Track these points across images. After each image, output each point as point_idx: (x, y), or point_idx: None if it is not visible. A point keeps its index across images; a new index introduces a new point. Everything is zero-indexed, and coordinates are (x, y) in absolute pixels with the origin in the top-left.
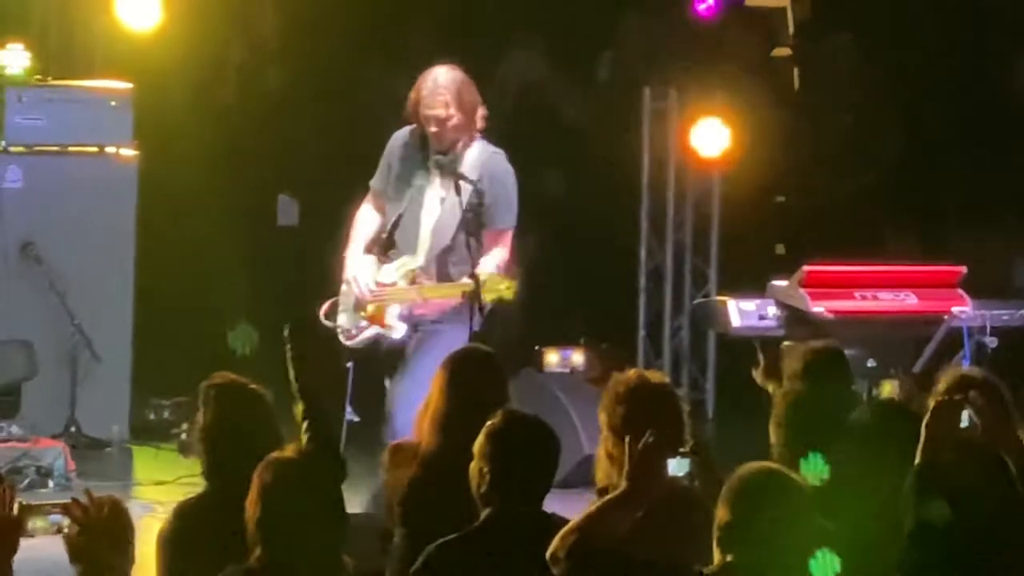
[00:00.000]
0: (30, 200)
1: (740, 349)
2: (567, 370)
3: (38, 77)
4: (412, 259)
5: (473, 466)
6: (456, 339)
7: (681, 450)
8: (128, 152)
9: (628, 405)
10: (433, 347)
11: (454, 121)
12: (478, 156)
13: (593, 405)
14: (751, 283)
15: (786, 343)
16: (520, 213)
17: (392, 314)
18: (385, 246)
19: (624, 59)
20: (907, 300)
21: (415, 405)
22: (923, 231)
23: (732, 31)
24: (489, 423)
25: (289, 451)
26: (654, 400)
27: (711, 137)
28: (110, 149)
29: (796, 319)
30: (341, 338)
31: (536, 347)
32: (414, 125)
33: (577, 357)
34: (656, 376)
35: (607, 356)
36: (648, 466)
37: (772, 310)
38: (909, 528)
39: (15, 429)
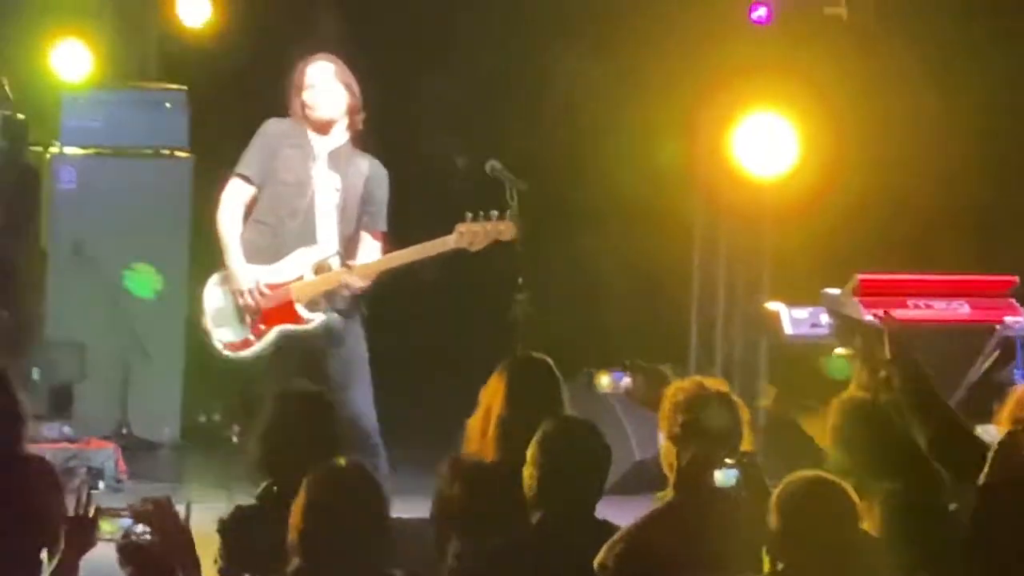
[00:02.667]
0: (84, 201)
1: (792, 357)
2: (619, 391)
3: (94, 79)
4: (318, 249)
5: (526, 471)
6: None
7: (728, 460)
8: (182, 154)
9: (687, 413)
10: (360, 338)
11: (343, 107)
12: (363, 158)
13: (645, 412)
14: (804, 291)
15: (839, 351)
16: (571, 227)
17: (302, 307)
18: (284, 244)
19: (678, 65)
20: (960, 309)
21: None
22: (977, 240)
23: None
24: (541, 428)
25: (340, 461)
26: (713, 408)
27: (764, 143)
28: (165, 151)
29: (849, 327)
30: (225, 352)
31: (587, 369)
32: (290, 116)
33: (627, 379)
34: (715, 384)
35: (656, 376)
36: (696, 475)
37: (825, 318)
38: (965, 544)
39: (67, 430)
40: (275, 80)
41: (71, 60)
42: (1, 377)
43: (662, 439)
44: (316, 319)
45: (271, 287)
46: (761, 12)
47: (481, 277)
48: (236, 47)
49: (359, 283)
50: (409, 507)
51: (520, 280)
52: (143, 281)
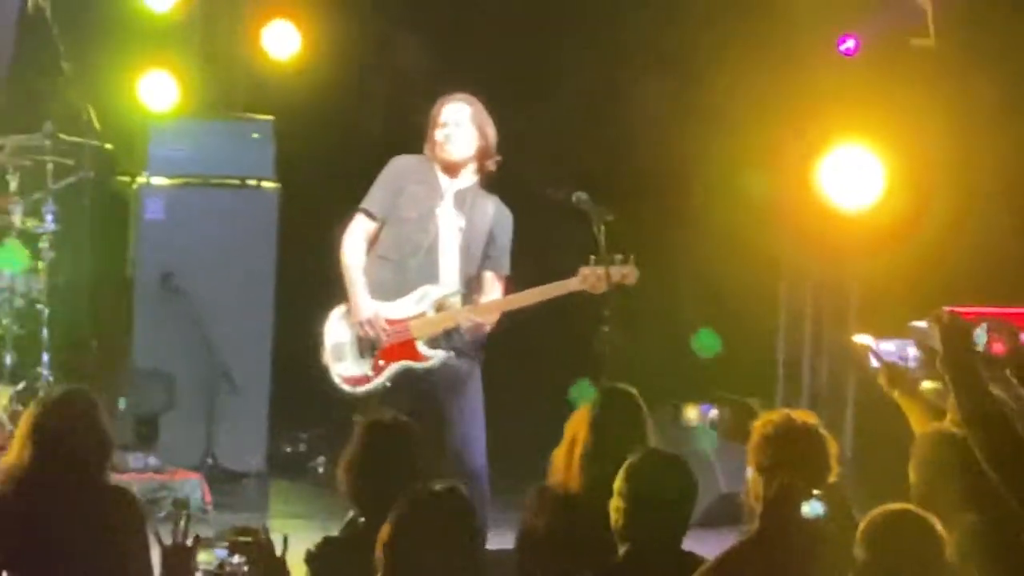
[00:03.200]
0: (171, 232)
1: (880, 390)
2: (706, 424)
3: (181, 109)
4: (441, 287)
5: (613, 503)
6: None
7: (816, 491)
8: (269, 184)
9: (776, 446)
10: (478, 381)
11: (468, 135)
12: (488, 199)
13: (732, 445)
14: (892, 323)
15: (927, 384)
16: (657, 259)
17: (422, 344)
18: (406, 281)
19: (766, 97)
20: None
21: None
22: None
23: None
24: (628, 460)
25: (431, 486)
26: (801, 441)
27: (851, 175)
28: (251, 181)
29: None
30: (343, 386)
31: (674, 402)
32: (422, 154)
33: (715, 412)
34: (804, 416)
35: (744, 410)
36: (783, 507)
37: (912, 351)
38: None
39: (153, 460)
40: (361, 111)
41: (158, 90)
42: (88, 407)
43: (750, 472)
44: (435, 357)
45: (391, 323)
46: (849, 44)
47: (567, 309)
48: (323, 78)
49: (479, 320)
50: (495, 538)
51: (606, 312)
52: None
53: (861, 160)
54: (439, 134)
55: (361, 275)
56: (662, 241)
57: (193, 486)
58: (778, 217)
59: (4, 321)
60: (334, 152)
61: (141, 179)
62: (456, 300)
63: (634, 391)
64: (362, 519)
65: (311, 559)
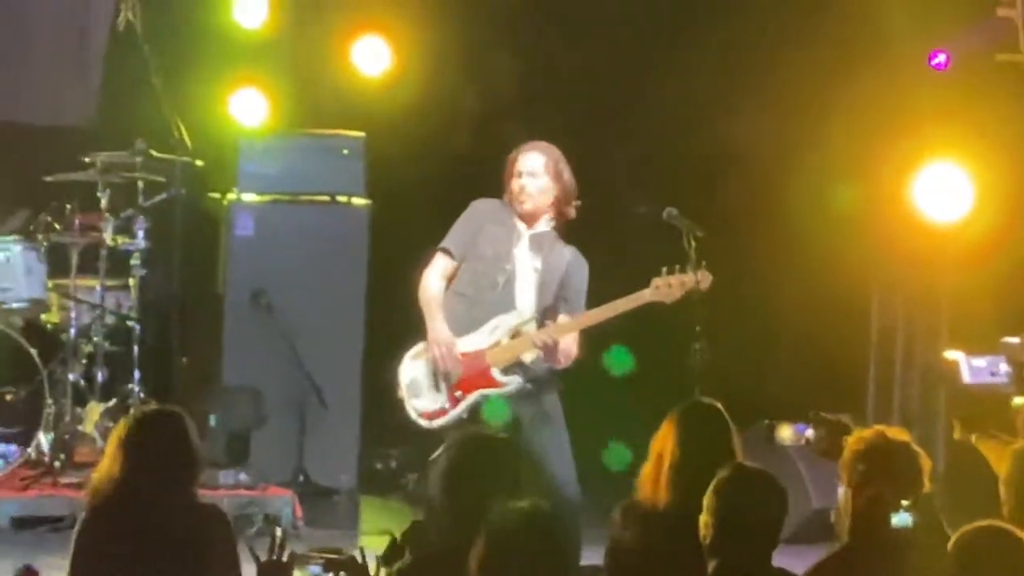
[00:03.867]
0: (262, 248)
1: (971, 405)
2: (800, 443)
3: (271, 126)
4: (515, 315)
5: (702, 518)
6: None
7: (904, 503)
8: (360, 201)
9: (867, 462)
10: (558, 407)
11: (545, 186)
12: (565, 248)
13: (825, 463)
14: (984, 339)
15: (1018, 400)
16: (748, 274)
17: (498, 372)
18: (482, 315)
19: (858, 112)
20: None
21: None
22: None
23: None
24: (718, 476)
25: (523, 502)
26: (894, 457)
27: (943, 190)
28: (342, 198)
29: None
30: (421, 421)
31: (767, 421)
32: (501, 198)
33: (810, 431)
34: (896, 433)
35: (838, 428)
36: (872, 521)
37: (1004, 367)
38: None
39: (244, 477)
40: (451, 127)
41: (249, 107)
42: (178, 423)
43: (841, 488)
44: (511, 383)
45: (466, 355)
46: (940, 59)
47: (659, 326)
48: (413, 94)
49: (555, 338)
50: (584, 555)
51: (698, 328)
52: None
53: (952, 174)
54: (515, 184)
55: (439, 308)
56: (754, 256)
57: (284, 502)
58: (870, 232)
59: (96, 338)
60: (424, 168)
61: (231, 196)
62: (531, 327)
63: (719, 405)
64: (454, 534)
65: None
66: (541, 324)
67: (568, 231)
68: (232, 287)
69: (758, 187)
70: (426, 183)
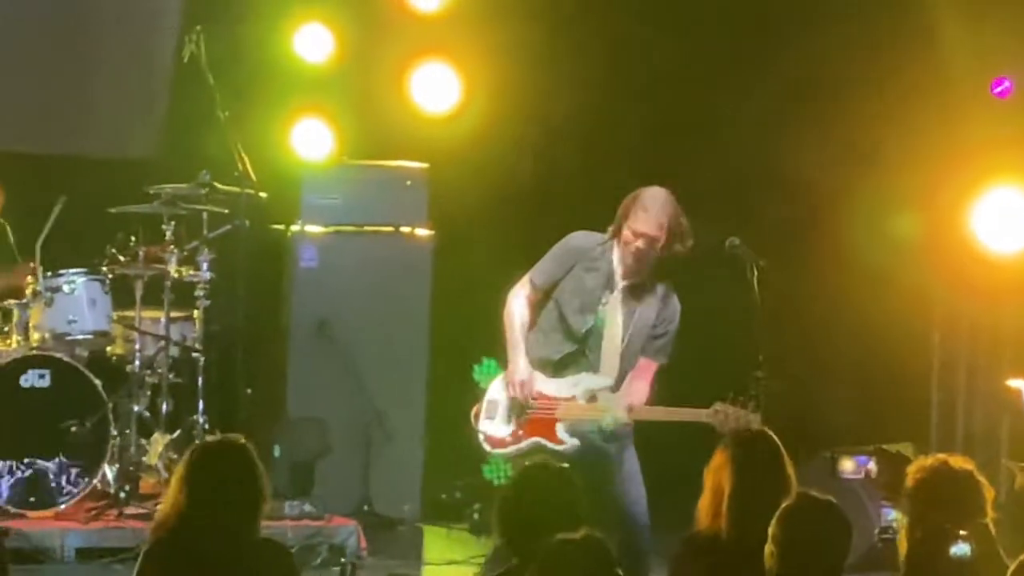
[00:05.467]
0: (325, 279)
1: None
2: (861, 476)
3: (335, 157)
4: (598, 379)
5: (767, 548)
6: None
7: (962, 533)
8: (423, 232)
9: (930, 490)
10: (633, 457)
11: (660, 245)
12: (659, 288)
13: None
14: None
15: None
16: (810, 303)
17: (562, 429)
18: (562, 362)
19: (919, 139)
20: None
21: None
22: None
23: None
24: (783, 506)
25: (579, 534)
26: (955, 486)
27: (1004, 218)
28: (405, 229)
29: None
30: (484, 444)
31: (829, 453)
32: (600, 234)
33: (872, 463)
34: (959, 462)
35: (901, 461)
36: (930, 549)
37: None
38: None
39: (308, 507)
40: (514, 160)
41: (312, 138)
42: (243, 454)
43: (899, 514)
44: (570, 444)
45: (542, 396)
46: (1004, 86)
47: (721, 354)
48: (476, 125)
49: (625, 420)
50: None
51: (760, 358)
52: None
53: (1014, 202)
54: (629, 241)
55: (522, 338)
56: (816, 285)
57: (348, 533)
58: (931, 259)
59: (160, 369)
60: (487, 198)
61: (295, 227)
62: (607, 394)
63: (770, 433)
64: (517, 564)
65: None
66: (616, 385)
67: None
68: (296, 318)
69: (819, 215)
70: (489, 213)
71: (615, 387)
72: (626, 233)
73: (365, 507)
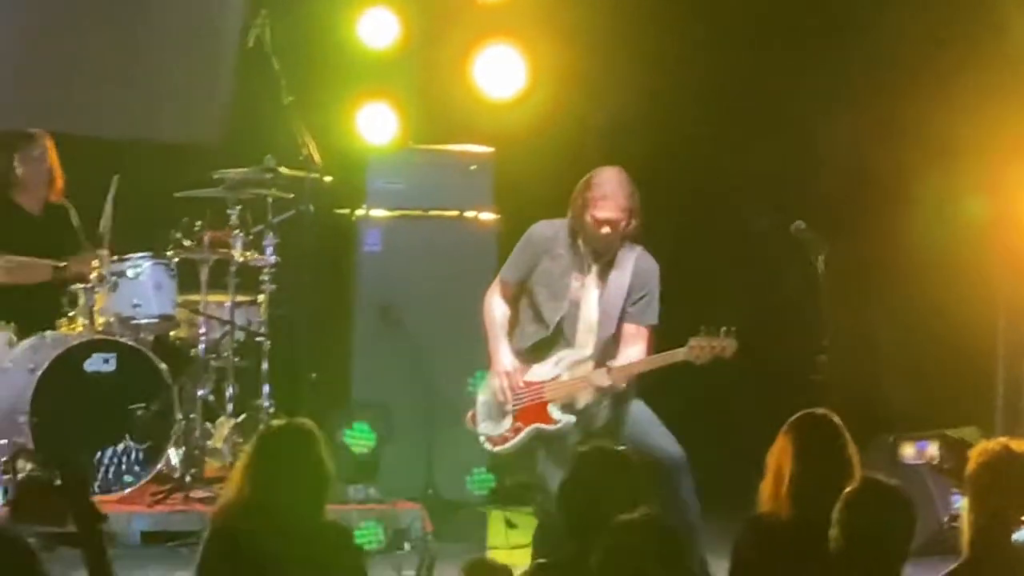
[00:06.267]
0: (390, 264)
1: None
2: (922, 462)
3: (399, 142)
4: (576, 351)
5: (831, 531)
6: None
7: None
8: (488, 216)
9: (991, 474)
10: (642, 408)
11: (624, 225)
12: (629, 253)
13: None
14: None
15: None
16: (874, 288)
17: (555, 408)
18: (538, 346)
19: (984, 127)
20: None
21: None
22: None
23: None
24: (847, 490)
25: (635, 514)
26: (1017, 470)
27: None
28: (470, 213)
29: None
30: (486, 445)
31: (891, 438)
32: (562, 220)
33: (933, 448)
34: (1021, 446)
35: (962, 446)
36: (994, 535)
37: None
38: None
39: (373, 491)
40: (580, 144)
41: (377, 123)
42: (308, 438)
43: (964, 500)
44: (564, 421)
45: (529, 385)
46: None
47: (784, 338)
48: (541, 108)
49: (608, 382)
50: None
51: (824, 341)
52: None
53: None
54: (593, 227)
55: (503, 333)
56: (881, 269)
57: (413, 516)
58: (997, 244)
59: (225, 354)
60: (552, 182)
61: (360, 212)
62: (589, 365)
63: (832, 416)
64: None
65: None
66: (604, 355)
67: (697, 247)
68: (361, 302)
69: (886, 200)
70: (554, 197)
71: (595, 356)
72: (589, 221)
73: (429, 491)
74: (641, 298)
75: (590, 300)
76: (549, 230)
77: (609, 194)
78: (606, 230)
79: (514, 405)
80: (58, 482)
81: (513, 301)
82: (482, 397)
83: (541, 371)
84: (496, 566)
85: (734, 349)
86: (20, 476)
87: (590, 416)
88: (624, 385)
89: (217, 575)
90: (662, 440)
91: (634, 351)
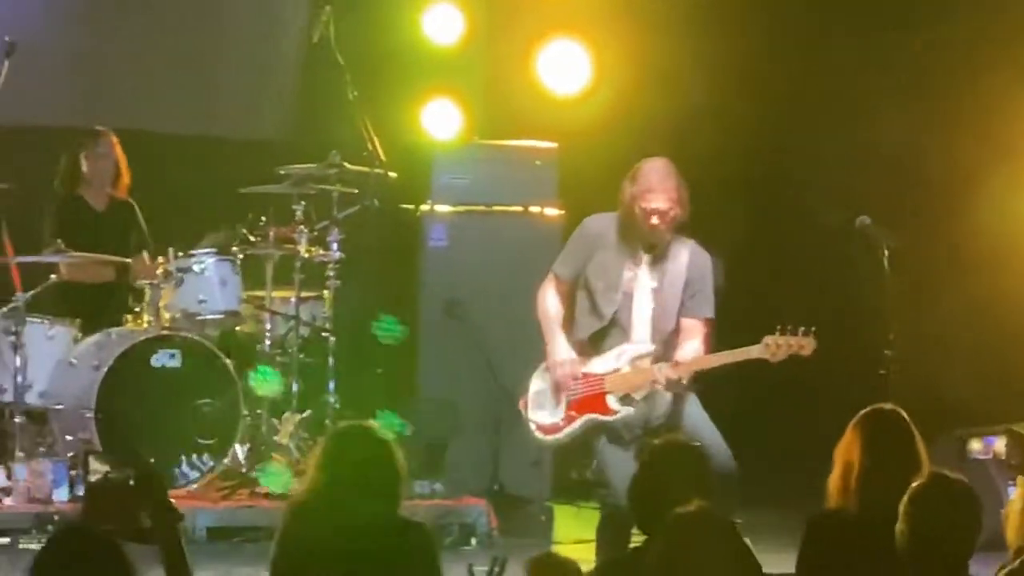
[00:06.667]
0: (455, 259)
1: None
2: (989, 456)
3: (464, 137)
4: (637, 346)
5: (898, 526)
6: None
7: None
8: (552, 211)
9: None
10: (696, 405)
11: (673, 215)
12: (682, 247)
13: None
14: None
15: None
16: (940, 282)
17: (613, 399)
18: (595, 339)
19: None
20: None
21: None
22: None
23: None
24: (913, 485)
25: (692, 505)
26: None
27: None
28: (534, 208)
29: None
30: (536, 434)
31: (958, 432)
32: (613, 214)
33: (1000, 444)
34: None
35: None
36: None
37: None
38: None
39: (439, 487)
40: (645, 139)
41: (442, 118)
42: (377, 440)
43: (1017, 490)
44: (623, 412)
45: (587, 376)
46: None
47: (851, 331)
48: (606, 103)
49: (675, 376)
50: (777, 564)
51: (891, 336)
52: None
53: None
54: (644, 218)
55: (557, 326)
56: (948, 264)
57: (479, 512)
58: None
59: (291, 349)
60: (617, 177)
61: (425, 207)
62: (648, 360)
63: (901, 411)
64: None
65: None
66: (664, 349)
67: (762, 241)
68: (426, 298)
69: (952, 196)
70: (618, 192)
71: (656, 351)
72: (639, 213)
73: (495, 486)
74: (697, 291)
75: (643, 292)
76: (601, 223)
77: (656, 185)
78: (655, 220)
79: (570, 395)
80: (132, 482)
81: (566, 296)
82: (536, 386)
83: (601, 364)
84: (562, 562)
85: (813, 348)
86: (93, 478)
87: (649, 411)
88: (687, 381)
89: (290, 565)
90: (715, 449)
91: (693, 345)
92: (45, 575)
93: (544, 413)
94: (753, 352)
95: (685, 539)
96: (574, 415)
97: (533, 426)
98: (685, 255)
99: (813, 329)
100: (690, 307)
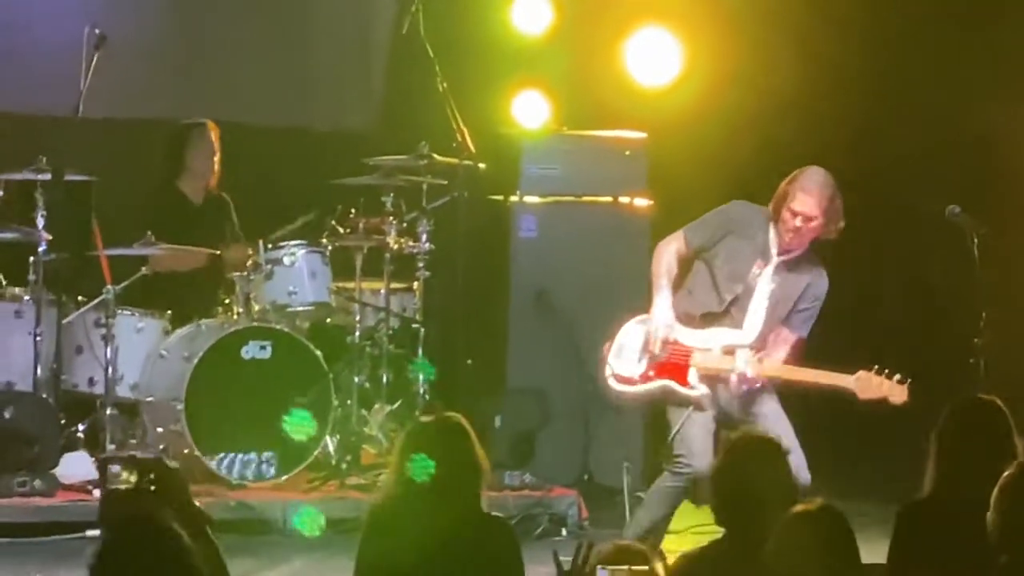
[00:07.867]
0: (544, 249)
1: None
2: None
3: (553, 127)
4: (738, 334)
5: (989, 516)
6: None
7: None
8: (642, 202)
9: None
10: (774, 400)
11: (815, 224)
12: (812, 267)
13: None
14: None
15: None
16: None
17: (694, 374)
18: (706, 319)
19: None
20: None
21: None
22: None
23: None
24: (1004, 475)
25: (815, 505)
26: None
27: None
28: (624, 199)
29: None
30: (609, 380)
31: None
32: (760, 206)
33: None
34: None
35: None
36: None
37: None
38: None
39: (529, 478)
40: (735, 131)
41: (531, 109)
42: (456, 434)
43: None
44: (699, 391)
45: (677, 345)
46: None
47: (941, 318)
48: (696, 95)
49: (751, 372)
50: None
51: (981, 324)
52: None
53: None
54: (788, 220)
55: (667, 284)
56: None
57: (569, 503)
58: None
59: (381, 341)
60: (706, 168)
61: (514, 198)
62: (744, 350)
63: (997, 400)
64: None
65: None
66: (759, 347)
67: (852, 231)
68: (516, 288)
69: None
70: (708, 183)
71: (754, 345)
72: (786, 213)
73: (585, 477)
74: (805, 310)
75: (763, 291)
76: (747, 211)
77: (809, 189)
78: (798, 222)
79: (655, 356)
80: (152, 488)
81: (685, 261)
82: (624, 336)
83: (694, 338)
84: (634, 550)
85: (903, 399)
86: (109, 486)
87: (724, 402)
88: (759, 385)
89: (374, 566)
90: (793, 457)
91: (778, 351)
92: (109, 565)
93: (624, 363)
94: (842, 381)
95: (802, 538)
96: (652, 375)
97: (609, 371)
98: (810, 273)
99: (909, 380)
100: (792, 321)
